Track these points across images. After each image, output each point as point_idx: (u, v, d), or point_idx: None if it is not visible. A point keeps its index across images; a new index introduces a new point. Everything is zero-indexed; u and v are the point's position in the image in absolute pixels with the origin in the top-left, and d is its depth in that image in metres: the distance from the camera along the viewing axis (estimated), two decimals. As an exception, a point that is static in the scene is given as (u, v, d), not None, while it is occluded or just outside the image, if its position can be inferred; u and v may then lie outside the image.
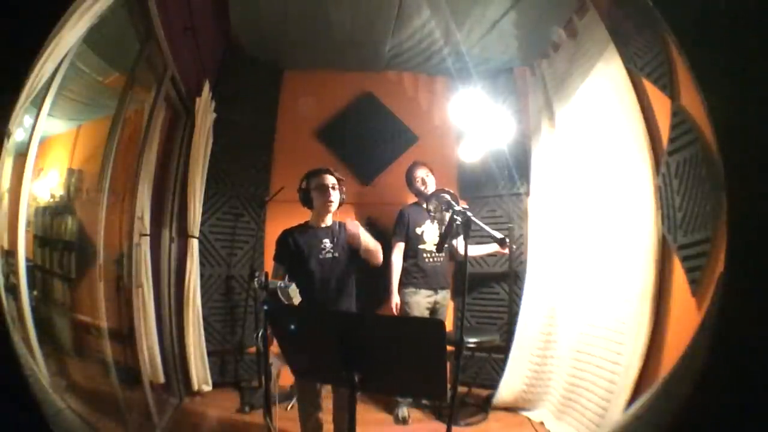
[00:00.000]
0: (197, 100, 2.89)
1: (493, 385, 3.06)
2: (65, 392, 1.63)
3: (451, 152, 3.52)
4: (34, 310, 1.55)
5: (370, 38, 3.24)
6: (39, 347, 1.52)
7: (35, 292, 1.67)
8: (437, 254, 2.88)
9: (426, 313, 2.85)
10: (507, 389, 2.97)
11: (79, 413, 1.45)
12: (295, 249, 2.11)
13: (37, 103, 1.59)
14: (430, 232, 2.94)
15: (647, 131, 2.10)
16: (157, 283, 2.67)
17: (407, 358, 1.24)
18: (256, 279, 1.90)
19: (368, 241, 2.07)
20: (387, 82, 3.73)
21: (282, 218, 2.39)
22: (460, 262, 3.23)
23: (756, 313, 0.91)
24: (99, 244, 2.00)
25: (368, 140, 3.64)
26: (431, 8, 2.88)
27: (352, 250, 2.12)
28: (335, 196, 2.13)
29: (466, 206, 2.18)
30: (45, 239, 1.85)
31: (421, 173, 3.00)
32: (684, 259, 1.80)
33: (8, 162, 1.46)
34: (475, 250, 2.98)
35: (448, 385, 1.46)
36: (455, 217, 1.93)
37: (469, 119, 3.15)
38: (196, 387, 2.86)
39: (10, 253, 1.51)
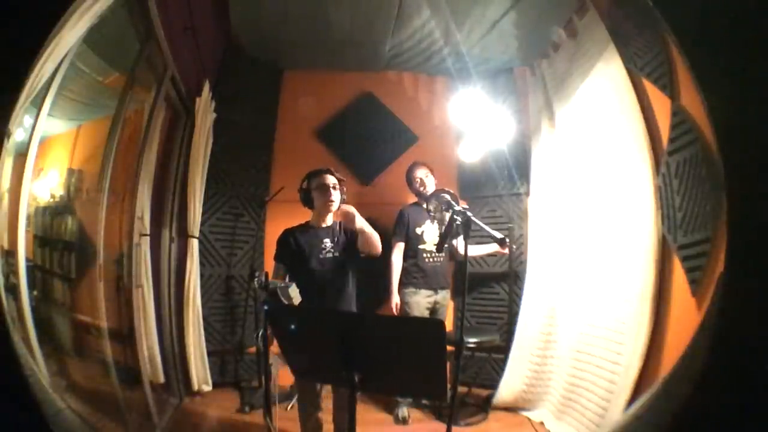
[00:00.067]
0: (197, 100, 2.89)
1: (493, 385, 3.06)
2: (65, 392, 1.63)
3: (451, 152, 3.52)
4: (34, 310, 1.56)
5: (370, 38, 3.24)
6: (39, 347, 1.52)
7: (35, 292, 1.67)
8: (437, 254, 2.88)
9: (426, 313, 2.85)
10: (507, 389, 2.97)
11: (79, 413, 1.45)
12: (295, 248, 2.11)
13: (37, 103, 1.59)
14: (430, 232, 2.94)
15: (647, 131, 2.10)
16: (157, 283, 2.67)
17: (407, 358, 1.24)
18: (256, 279, 1.90)
19: (364, 224, 2.01)
20: (387, 82, 3.73)
21: (282, 218, 2.39)
22: (460, 262, 3.23)
23: (756, 313, 0.91)
24: (99, 244, 2.00)
25: (368, 140, 3.64)
26: (431, 8, 2.88)
27: (352, 248, 2.10)
28: (336, 196, 2.13)
29: (466, 206, 2.18)
30: (45, 239, 1.85)
31: (421, 173, 3.00)
32: (684, 259, 1.80)
33: (8, 162, 1.46)
34: (475, 250, 2.98)
35: (448, 385, 1.46)
36: (455, 217, 1.93)
37: (469, 119, 3.15)
38: (196, 387, 2.86)
39: (10, 253, 1.51)
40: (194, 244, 2.91)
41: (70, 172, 1.98)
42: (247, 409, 2.78)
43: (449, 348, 1.40)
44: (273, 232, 2.72)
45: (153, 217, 2.59)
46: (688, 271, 1.77)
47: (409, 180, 3.06)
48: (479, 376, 3.28)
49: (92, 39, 1.65)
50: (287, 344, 1.38)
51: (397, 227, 2.97)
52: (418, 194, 3.02)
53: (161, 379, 2.58)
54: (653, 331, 2.01)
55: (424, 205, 2.55)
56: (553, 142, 3.03)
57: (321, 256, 2.10)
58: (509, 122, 3.20)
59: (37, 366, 1.43)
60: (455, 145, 3.46)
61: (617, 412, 2.08)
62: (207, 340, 2.98)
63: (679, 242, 1.84)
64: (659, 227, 1.99)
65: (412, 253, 2.93)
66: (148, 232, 2.50)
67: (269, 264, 2.20)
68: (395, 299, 2.89)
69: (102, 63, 2.05)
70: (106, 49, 1.96)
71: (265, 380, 2.15)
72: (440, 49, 3.32)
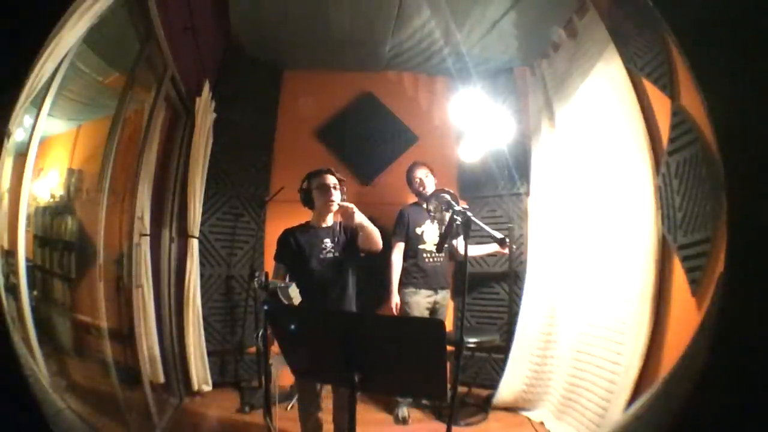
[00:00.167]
0: (197, 100, 2.89)
1: (493, 385, 3.07)
2: (65, 392, 1.63)
3: (451, 152, 3.51)
4: (34, 310, 1.56)
5: (370, 38, 3.24)
6: (39, 347, 1.52)
7: (35, 292, 1.67)
8: (437, 254, 2.88)
9: (426, 313, 2.85)
10: (507, 389, 2.97)
11: (79, 413, 1.45)
12: (296, 248, 2.11)
13: (37, 103, 1.59)
14: (430, 232, 2.94)
15: (647, 131, 2.10)
16: (157, 283, 2.67)
17: (407, 358, 1.24)
18: (256, 279, 1.90)
19: (363, 219, 2.00)
20: (387, 82, 3.73)
21: (282, 218, 2.39)
22: (460, 262, 3.23)
23: (756, 313, 0.91)
24: (99, 244, 2.00)
25: (368, 140, 3.64)
26: (431, 8, 2.88)
27: (353, 246, 2.11)
28: (336, 196, 2.13)
29: (466, 206, 2.18)
30: (45, 239, 1.85)
31: (421, 173, 3.00)
32: (684, 259, 1.80)
33: (8, 162, 1.46)
34: (475, 250, 2.98)
35: (448, 385, 1.46)
36: (455, 217, 1.93)
37: (469, 119, 3.15)
38: (196, 387, 2.86)
39: (10, 253, 1.51)
40: (194, 244, 2.91)
41: (70, 172, 1.98)
42: (247, 409, 2.78)
43: (449, 348, 1.40)
44: (273, 232, 2.72)
45: (153, 217, 2.59)
46: (688, 271, 1.77)
47: (409, 180, 3.06)
48: (479, 376, 3.28)
49: (92, 39, 1.65)
50: (287, 344, 1.38)
51: (397, 227, 2.97)
52: (418, 194, 3.02)
53: (161, 379, 2.58)
54: (653, 331, 2.01)
55: (424, 205, 2.55)
56: (553, 142, 3.03)
57: (321, 256, 2.10)
58: (509, 122, 3.20)
59: (37, 366, 1.43)
60: (455, 145, 3.46)
61: (617, 412, 2.08)
62: (207, 340, 2.98)
63: (679, 242, 1.84)
64: (659, 227, 1.99)
65: (412, 253, 2.93)
66: (148, 232, 2.50)
67: (269, 264, 2.20)
68: (395, 299, 2.89)
69: (102, 63, 2.04)
70: (106, 49, 1.96)
71: (265, 380, 2.15)
72: (440, 49, 3.32)
